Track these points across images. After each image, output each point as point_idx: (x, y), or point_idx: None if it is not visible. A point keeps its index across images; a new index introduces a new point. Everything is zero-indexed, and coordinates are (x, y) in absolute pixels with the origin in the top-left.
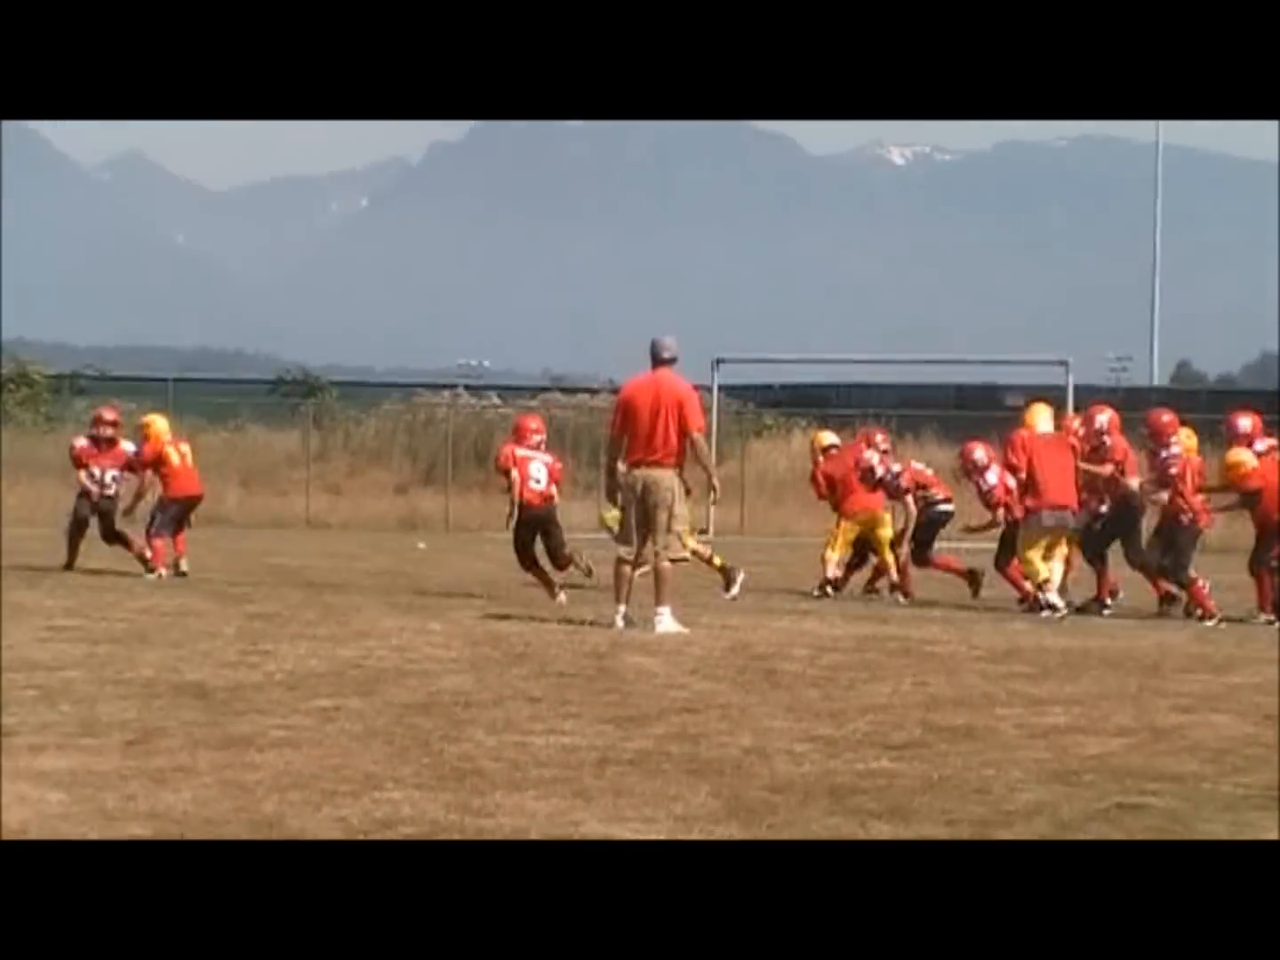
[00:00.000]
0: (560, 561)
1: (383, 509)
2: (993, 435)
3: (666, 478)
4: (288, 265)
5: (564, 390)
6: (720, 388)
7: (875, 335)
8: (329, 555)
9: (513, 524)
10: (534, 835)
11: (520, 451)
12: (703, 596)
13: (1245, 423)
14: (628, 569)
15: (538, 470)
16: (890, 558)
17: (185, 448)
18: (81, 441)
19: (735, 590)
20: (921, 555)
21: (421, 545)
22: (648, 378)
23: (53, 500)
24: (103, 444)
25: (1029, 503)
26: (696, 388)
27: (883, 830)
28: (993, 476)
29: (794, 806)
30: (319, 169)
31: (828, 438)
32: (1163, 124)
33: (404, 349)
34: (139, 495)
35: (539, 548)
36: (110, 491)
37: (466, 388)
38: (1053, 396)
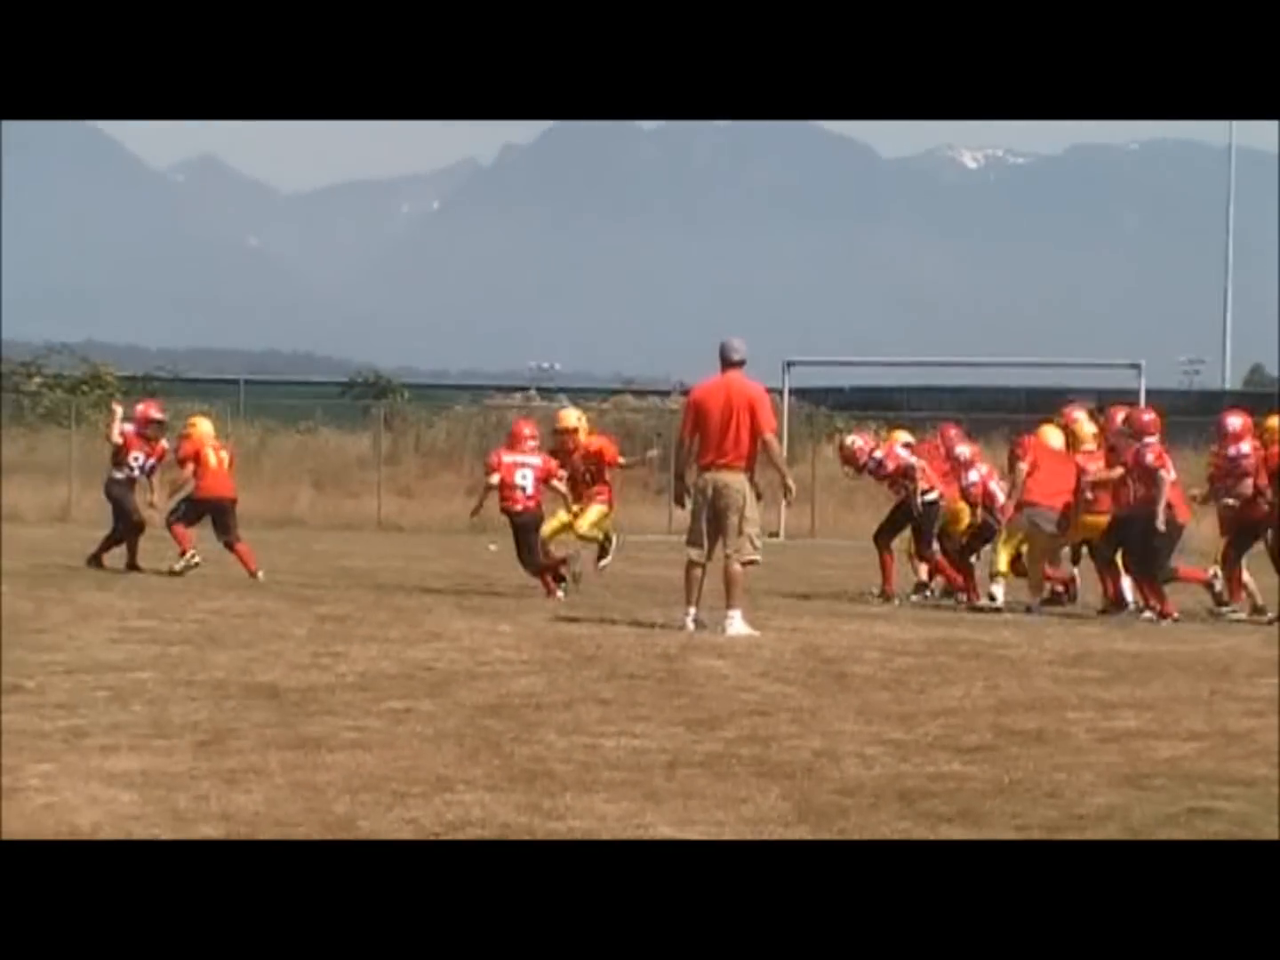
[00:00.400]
0: (532, 569)
1: (454, 511)
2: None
3: (737, 480)
4: (359, 268)
5: (635, 393)
6: (791, 390)
7: (946, 338)
8: (400, 557)
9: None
10: (604, 837)
11: (509, 458)
12: (773, 599)
13: (1235, 421)
14: (698, 572)
15: (523, 478)
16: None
17: (225, 454)
18: (129, 428)
19: (607, 560)
20: (920, 549)
21: (493, 547)
22: (718, 380)
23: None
24: (148, 439)
25: (1021, 498)
26: (767, 390)
27: (953, 833)
28: (975, 474)
29: (864, 810)
30: (390, 172)
31: (903, 436)
32: (1235, 127)
33: (476, 351)
34: (173, 489)
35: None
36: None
37: (538, 390)
38: (1124, 400)
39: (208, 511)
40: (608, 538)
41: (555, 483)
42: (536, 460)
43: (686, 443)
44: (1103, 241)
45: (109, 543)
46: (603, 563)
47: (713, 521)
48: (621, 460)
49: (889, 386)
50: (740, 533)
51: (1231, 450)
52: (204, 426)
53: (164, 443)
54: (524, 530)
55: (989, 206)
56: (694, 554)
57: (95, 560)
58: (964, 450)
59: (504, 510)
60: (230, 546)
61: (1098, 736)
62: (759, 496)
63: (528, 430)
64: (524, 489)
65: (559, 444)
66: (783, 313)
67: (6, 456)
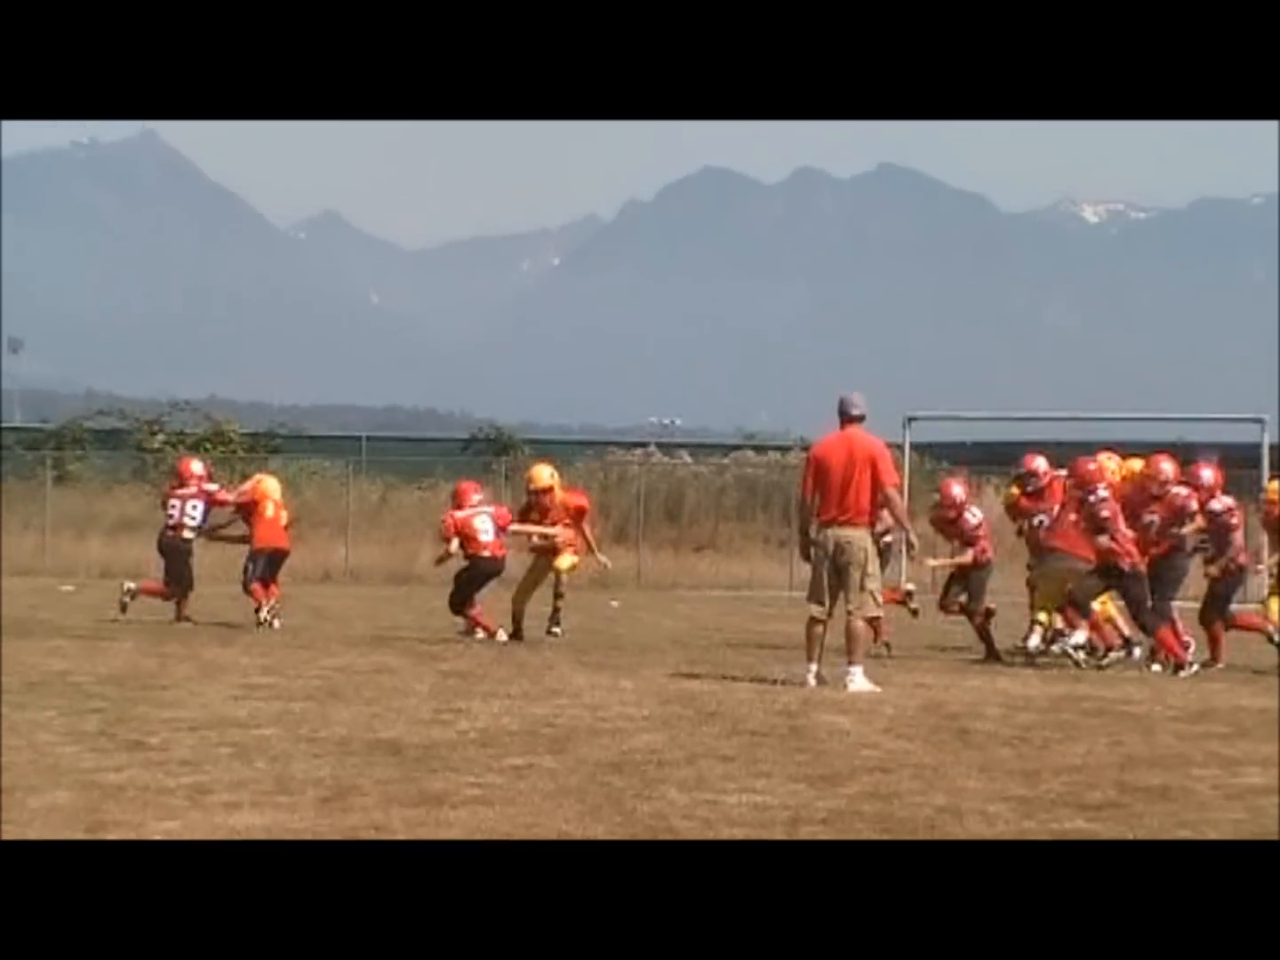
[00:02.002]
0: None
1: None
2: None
3: (859, 536)
4: (480, 323)
5: (755, 448)
6: (912, 445)
7: (1068, 392)
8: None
9: (442, 565)
10: None
11: (461, 514)
12: (896, 655)
13: (1207, 474)
14: (820, 628)
15: (483, 523)
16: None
17: (284, 513)
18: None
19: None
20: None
21: (615, 603)
22: (838, 436)
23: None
24: (189, 488)
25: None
26: (888, 445)
27: None
28: (972, 516)
29: None
30: (512, 228)
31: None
32: None
33: (597, 406)
34: (223, 527)
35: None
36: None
37: (658, 445)
38: (1248, 455)
39: (270, 562)
40: (559, 598)
41: (515, 528)
42: (490, 508)
43: (809, 498)
44: (1228, 295)
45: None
46: (556, 629)
47: (834, 577)
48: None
49: (1011, 441)
50: (862, 589)
51: (1090, 498)
52: (269, 484)
53: (206, 485)
54: (483, 576)
55: (1111, 260)
56: (816, 610)
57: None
58: (958, 491)
59: (469, 556)
60: (264, 584)
61: (1223, 794)
62: (881, 552)
63: (471, 489)
64: (485, 532)
65: (535, 502)
66: (904, 367)
67: (131, 514)
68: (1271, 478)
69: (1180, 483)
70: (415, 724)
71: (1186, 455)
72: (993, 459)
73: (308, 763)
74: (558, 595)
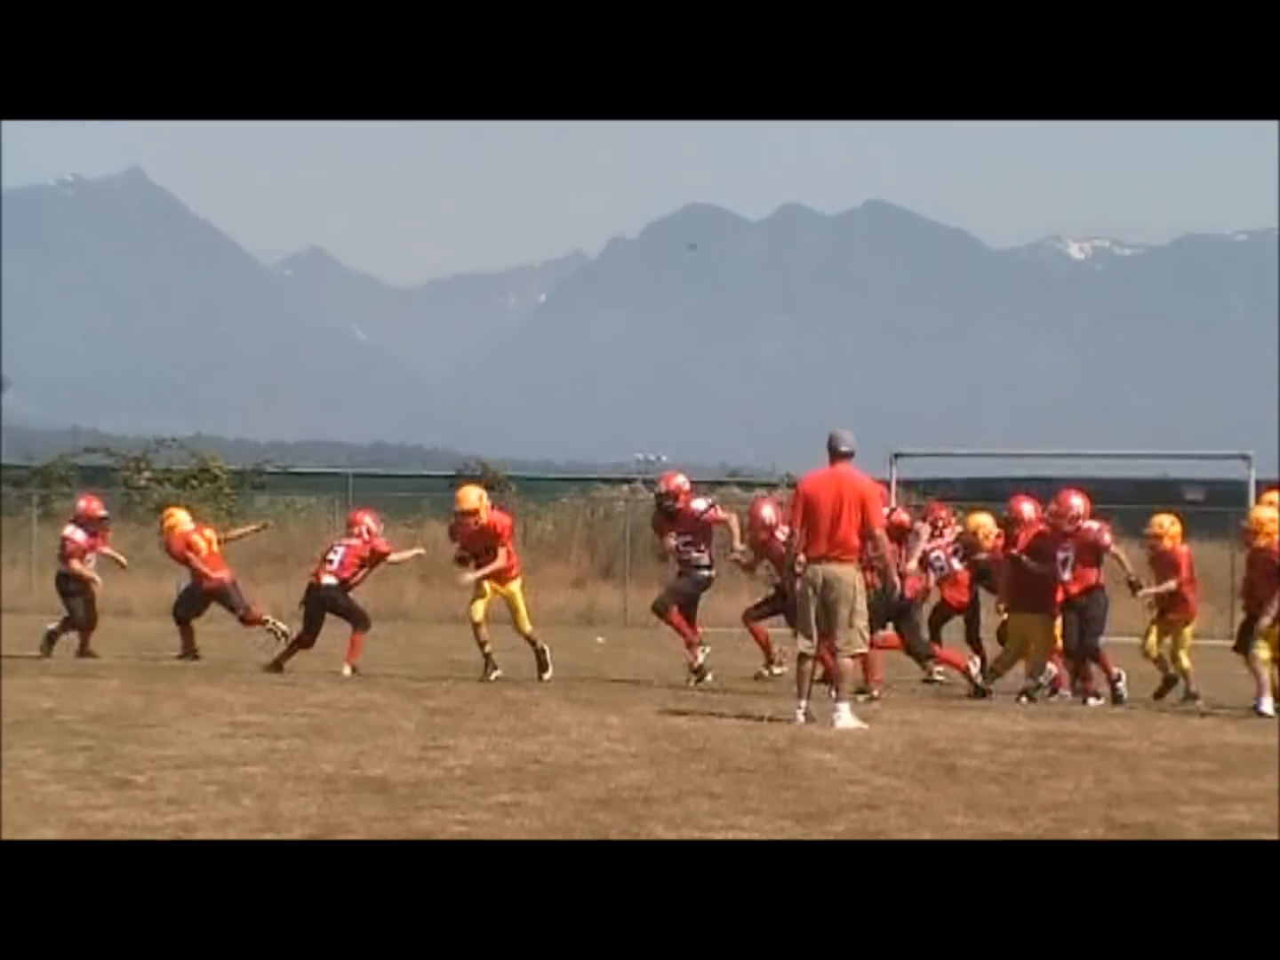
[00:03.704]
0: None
1: (561, 603)
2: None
3: (847, 573)
4: (466, 359)
5: (741, 484)
6: (898, 481)
7: (1053, 429)
8: (508, 650)
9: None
10: None
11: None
12: (882, 692)
13: (1077, 502)
14: (809, 664)
15: (334, 553)
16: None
17: (210, 534)
18: (78, 535)
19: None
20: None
21: (601, 640)
22: (828, 472)
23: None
24: (97, 534)
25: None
26: (874, 480)
27: None
28: (782, 535)
29: None
30: (497, 264)
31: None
32: None
33: (582, 442)
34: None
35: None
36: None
37: (644, 482)
38: (1234, 491)
39: (212, 600)
40: (540, 650)
41: (394, 558)
42: (355, 541)
43: (797, 534)
44: (1211, 331)
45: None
46: (545, 676)
47: (822, 613)
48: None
49: (997, 477)
50: (850, 625)
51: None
52: (180, 516)
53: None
54: (317, 602)
55: (1096, 297)
56: (804, 646)
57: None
58: (768, 512)
59: (312, 582)
60: (246, 620)
61: (1211, 830)
62: (869, 587)
63: (362, 517)
64: (330, 561)
65: (461, 525)
66: (890, 404)
67: (117, 550)
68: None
69: (1091, 516)
70: (402, 761)
71: (1173, 491)
72: (979, 494)
73: (294, 800)
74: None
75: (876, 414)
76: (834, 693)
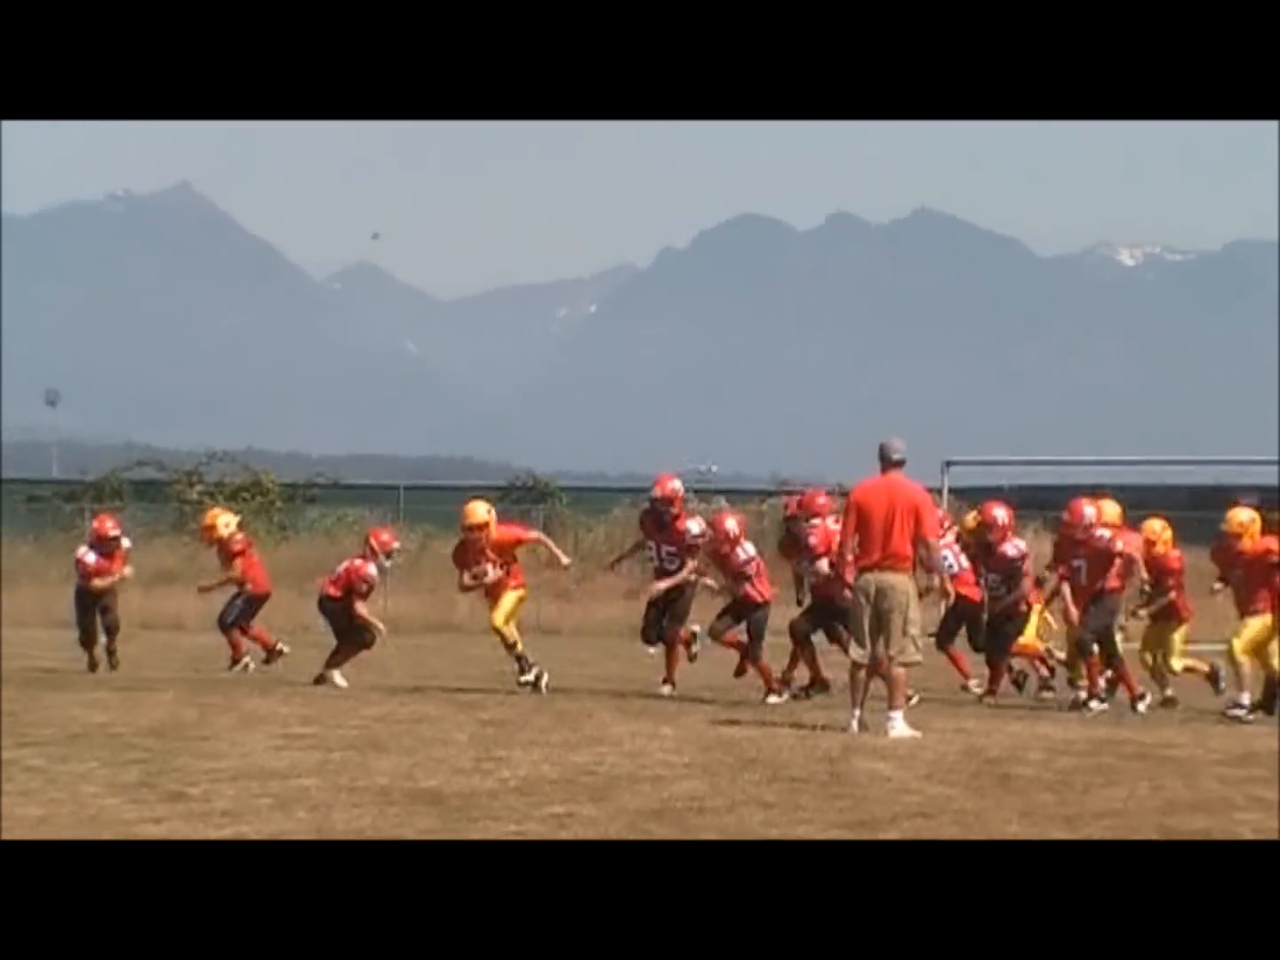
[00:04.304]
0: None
1: (613, 614)
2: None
3: (901, 581)
4: (517, 371)
5: (790, 493)
6: (950, 489)
7: (1106, 435)
8: (560, 661)
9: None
10: None
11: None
12: (935, 700)
13: (1000, 514)
14: (862, 673)
15: (340, 566)
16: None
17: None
18: (90, 556)
19: (530, 677)
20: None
21: (652, 652)
22: (879, 481)
23: (287, 607)
24: (110, 554)
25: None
26: (926, 489)
27: None
28: (743, 552)
29: None
30: (547, 276)
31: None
32: None
33: (633, 454)
34: (226, 582)
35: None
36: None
37: (695, 492)
38: None
39: (261, 606)
40: (522, 661)
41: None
42: (358, 560)
43: (848, 542)
44: (1265, 336)
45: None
46: (524, 678)
47: (875, 622)
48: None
49: (1049, 485)
50: (904, 634)
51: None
52: (227, 517)
53: (124, 544)
54: (325, 613)
55: (1148, 303)
56: (857, 655)
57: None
58: (731, 525)
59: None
60: (245, 632)
61: (1266, 837)
62: (920, 596)
63: (376, 533)
64: (334, 573)
65: (470, 540)
66: (941, 412)
67: (169, 565)
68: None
69: (1123, 525)
70: (456, 773)
71: (1226, 498)
72: (1031, 502)
73: (348, 812)
74: (508, 647)
75: (927, 422)
76: (888, 702)
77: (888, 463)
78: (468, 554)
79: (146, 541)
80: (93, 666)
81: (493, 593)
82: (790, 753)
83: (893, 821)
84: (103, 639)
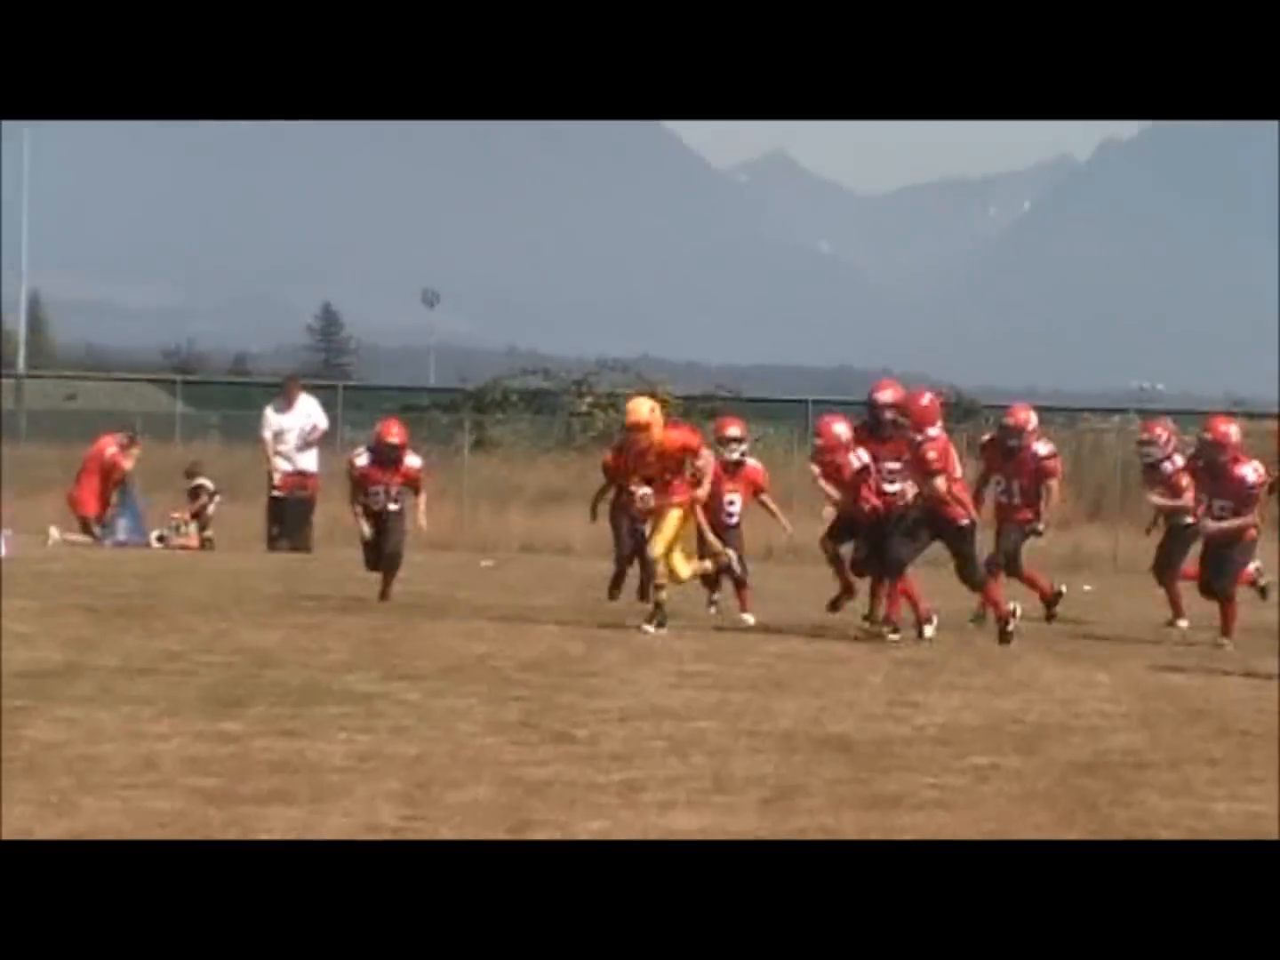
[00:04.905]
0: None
1: (1043, 544)
2: None
3: None
4: (940, 275)
5: (1247, 415)
6: None
7: None
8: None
9: None
10: None
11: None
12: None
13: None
14: None
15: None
16: None
17: None
18: (362, 459)
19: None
20: None
21: (1088, 588)
22: None
23: None
24: (388, 465)
25: None
26: None
27: None
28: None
29: None
30: (976, 170)
31: None
32: None
33: (1069, 368)
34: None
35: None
36: (394, 508)
37: (1137, 412)
38: None
39: None
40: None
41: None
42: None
43: None
44: None
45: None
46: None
47: None
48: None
49: None
50: None
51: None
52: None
53: (408, 461)
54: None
55: None
56: None
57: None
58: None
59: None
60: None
61: None
62: None
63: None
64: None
65: (629, 441)
66: None
67: (556, 484)
68: None
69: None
70: (867, 719)
71: None
72: None
73: (749, 759)
74: (655, 587)
75: None
76: None
77: None
78: (626, 463)
79: (530, 457)
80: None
81: (653, 514)
82: (1241, 705)
83: None
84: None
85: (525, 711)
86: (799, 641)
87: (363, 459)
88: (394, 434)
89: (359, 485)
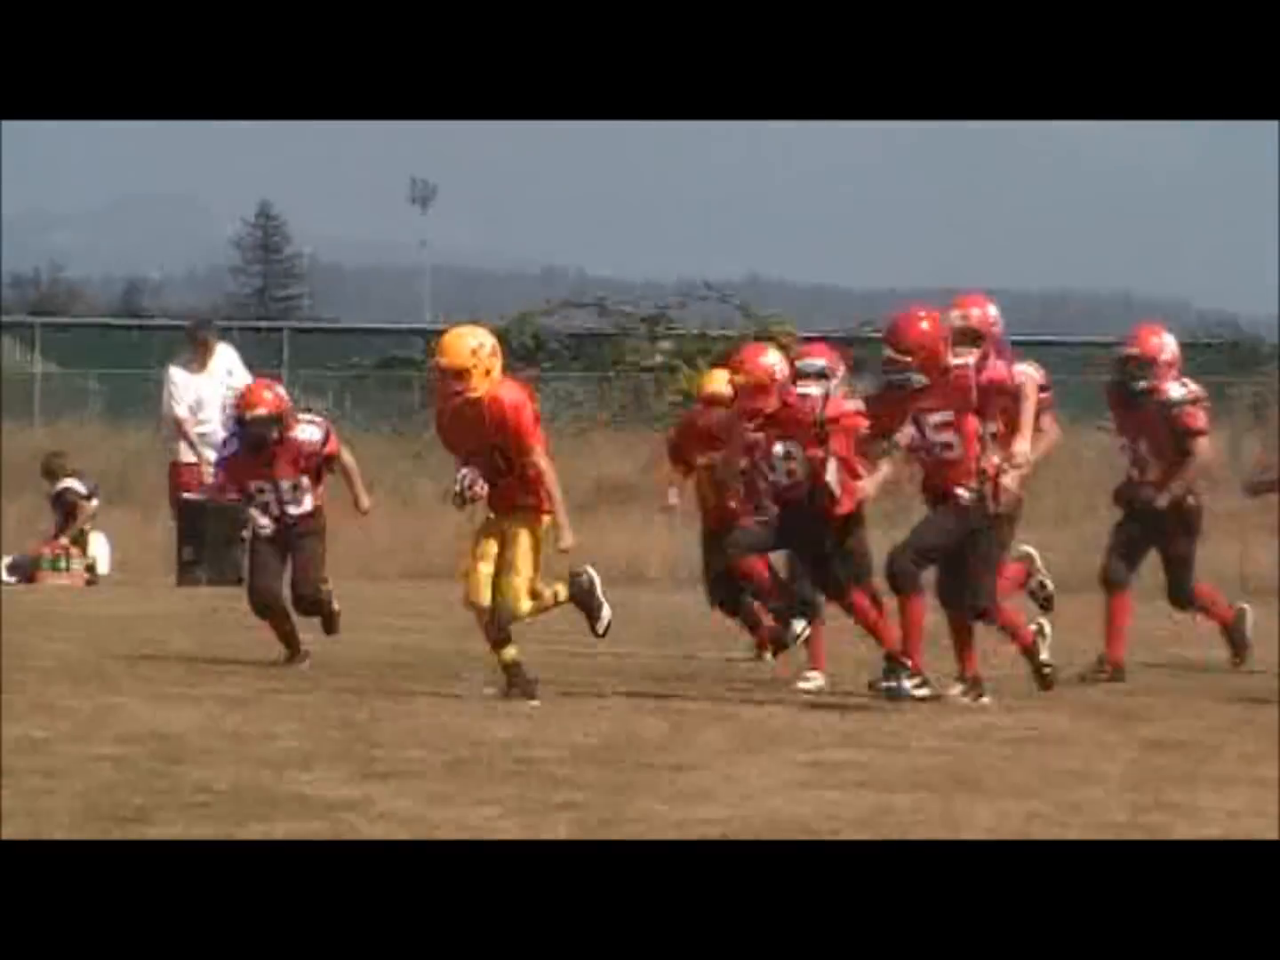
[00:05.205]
0: None
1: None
2: None
3: None
4: None
5: None
6: None
7: None
8: None
9: None
10: None
11: None
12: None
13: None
14: None
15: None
16: None
17: None
18: (229, 448)
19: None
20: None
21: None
22: None
23: None
24: (261, 446)
25: None
26: None
27: None
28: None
29: None
30: None
31: None
32: None
33: None
34: None
35: None
36: (298, 511)
37: None
38: None
39: None
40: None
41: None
42: None
43: None
44: None
45: None
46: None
47: None
48: None
49: None
50: None
51: None
52: None
53: (305, 436)
54: None
55: None
56: None
57: None
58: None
59: None
60: None
61: None
62: None
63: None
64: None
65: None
66: None
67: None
68: None
69: None
70: (1103, 829)
71: None
72: None
73: None
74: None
75: None
76: None
77: None
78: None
79: (579, 437)
80: None
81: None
82: None
83: None
84: None
85: (577, 827)
86: (996, 711)
87: (229, 447)
88: (262, 402)
89: (223, 489)
